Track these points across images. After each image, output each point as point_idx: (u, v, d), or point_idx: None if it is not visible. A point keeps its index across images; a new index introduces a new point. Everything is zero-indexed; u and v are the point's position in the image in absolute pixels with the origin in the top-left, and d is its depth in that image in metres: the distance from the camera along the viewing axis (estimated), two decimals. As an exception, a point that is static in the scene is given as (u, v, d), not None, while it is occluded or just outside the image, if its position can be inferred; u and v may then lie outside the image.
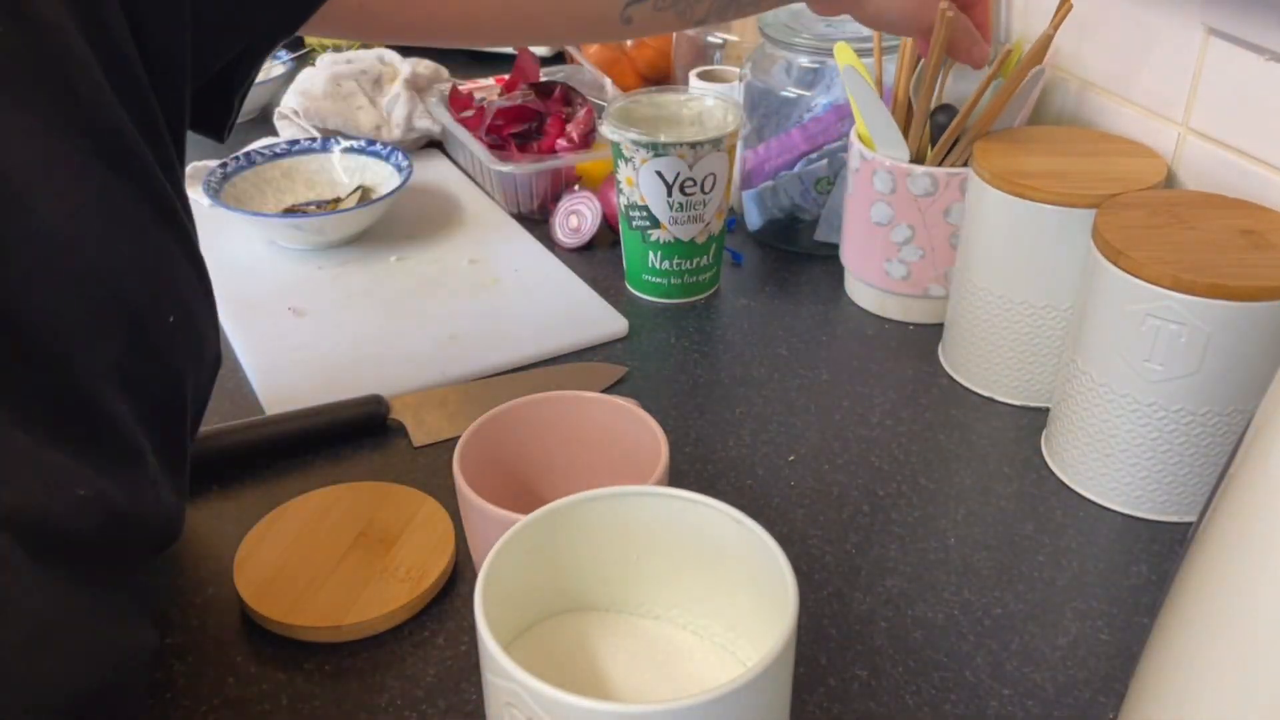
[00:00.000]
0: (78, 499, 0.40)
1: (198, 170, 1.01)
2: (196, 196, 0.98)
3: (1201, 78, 0.70)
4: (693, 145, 0.77)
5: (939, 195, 0.74)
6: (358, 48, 1.25)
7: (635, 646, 0.44)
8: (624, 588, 0.45)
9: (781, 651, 0.35)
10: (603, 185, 0.93)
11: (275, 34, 0.55)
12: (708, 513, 0.42)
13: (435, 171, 1.06)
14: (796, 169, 0.87)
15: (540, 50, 1.25)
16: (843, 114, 0.84)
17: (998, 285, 0.69)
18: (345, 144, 0.99)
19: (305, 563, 0.56)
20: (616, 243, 0.88)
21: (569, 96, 0.99)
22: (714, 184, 0.80)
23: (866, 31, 0.84)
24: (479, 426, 0.53)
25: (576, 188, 0.95)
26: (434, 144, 1.12)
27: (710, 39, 1.03)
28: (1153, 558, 0.60)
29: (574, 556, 0.43)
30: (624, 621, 0.45)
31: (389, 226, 0.95)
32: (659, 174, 0.78)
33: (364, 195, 0.97)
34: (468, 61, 1.28)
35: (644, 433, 0.53)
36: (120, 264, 0.44)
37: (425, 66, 1.10)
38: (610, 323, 0.81)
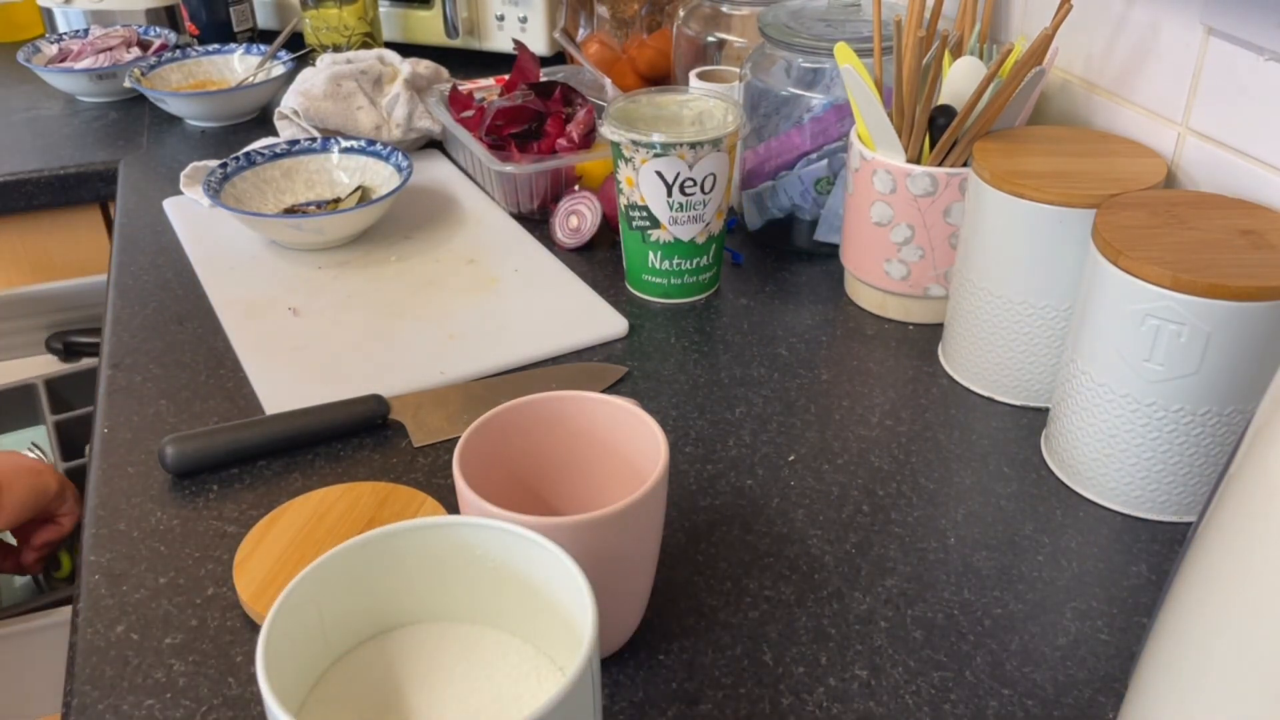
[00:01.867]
0: None
1: (198, 170, 1.01)
2: (196, 197, 0.98)
3: (1201, 78, 0.70)
4: (693, 145, 0.77)
5: (939, 195, 0.74)
6: (358, 47, 1.25)
7: (458, 655, 0.44)
8: (447, 603, 0.45)
9: (576, 682, 0.36)
10: (603, 185, 0.93)
11: None
12: (508, 537, 0.43)
13: (435, 171, 1.06)
14: (796, 169, 0.87)
15: (540, 50, 1.25)
16: (843, 114, 0.84)
17: (998, 285, 0.69)
18: (345, 144, 0.99)
19: (305, 562, 0.56)
20: (616, 243, 0.88)
21: (569, 96, 0.99)
22: (714, 184, 0.80)
23: (866, 31, 0.84)
24: (479, 426, 0.53)
25: (576, 188, 0.95)
26: (434, 144, 1.12)
27: (710, 39, 1.03)
28: (1152, 558, 0.60)
29: (387, 584, 0.43)
30: (451, 630, 0.45)
31: (389, 226, 0.95)
32: (659, 174, 0.78)
33: (364, 195, 0.97)
34: (468, 62, 1.28)
35: (644, 433, 0.53)
36: None
37: (425, 67, 1.10)
38: (610, 323, 0.81)
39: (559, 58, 1.28)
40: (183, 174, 1.01)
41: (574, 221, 0.92)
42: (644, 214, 0.81)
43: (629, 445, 0.54)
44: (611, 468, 0.56)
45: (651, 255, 0.83)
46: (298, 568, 0.56)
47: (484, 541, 0.43)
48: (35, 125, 1.21)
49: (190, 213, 0.98)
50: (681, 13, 1.06)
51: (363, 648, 0.44)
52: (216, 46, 1.29)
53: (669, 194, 0.79)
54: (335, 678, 0.43)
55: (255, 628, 0.55)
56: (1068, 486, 0.65)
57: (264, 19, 1.43)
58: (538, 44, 1.26)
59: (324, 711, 0.41)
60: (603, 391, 0.73)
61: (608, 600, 0.49)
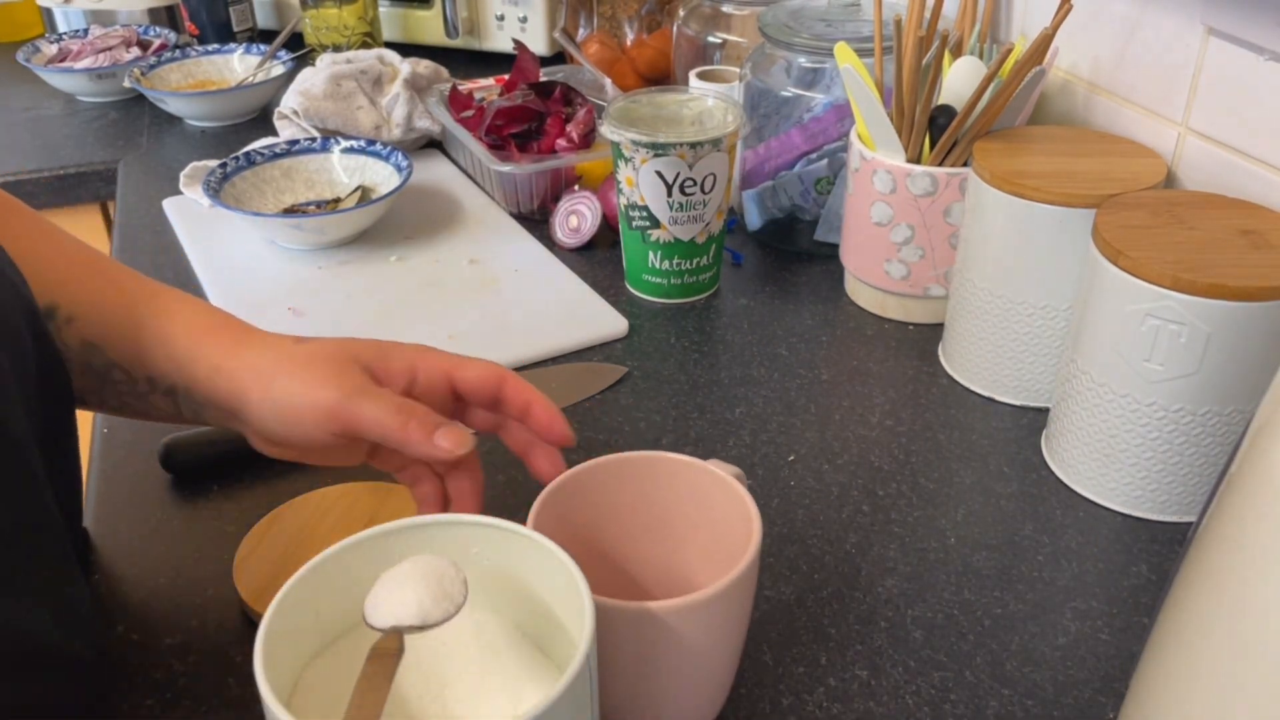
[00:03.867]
0: None
1: (197, 170, 1.01)
2: (196, 196, 0.98)
3: (1201, 78, 0.70)
4: (693, 145, 0.77)
5: (939, 195, 0.74)
6: (358, 47, 1.25)
7: (455, 652, 0.43)
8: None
9: (573, 679, 0.36)
10: (603, 185, 0.93)
11: None
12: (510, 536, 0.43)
13: (435, 171, 1.06)
14: (796, 169, 0.87)
15: (540, 50, 1.25)
16: (843, 114, 0.84)
17: (998, 285, 0.69)
18: (345, 144, 0.99)
19: (305, 562, 0.56)
20: (616, 243, 0.88)
21: (569, 96, 0.99)
22: (714, 184, 0.80)
23: (867, 31, 0.84)
24: (559, 485, 0.49)
25: (576, 188, 0.95)
26: (434, 144, 1.12)
27: (710, 39, 1.03)
28: (1152, 558, 0.60)
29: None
30: (448, 627, 0.43)
31: (389, 226, 0.95)
32: (659, 174, 0.78)
33: (364, 195, 0.97)
34: (468, 61, 1.28)
35: (736, 509, 0.48)
36: None
37: (425, 66, 1.10)
38: (610, 323, 0.81)
39: (559, 58, 1.28)
40: (182, 174, 1.01)
41: (574, 221, 0.92)
42: (644, 214, 0.81)
43: (718, 520, 0.50)
44: (695, 544, 0.51)
45: (651, 255, 0.83)
46: (298, 568, 0.56)
47: (481, 540, 0.43)
48: (35, 125, 1.21)
49: (190, 213, 0.98)
50: (681, 13, 1.06)
51: (357, 634, 0.44)
52: (216, 46, 1.29)
53: (669, 194, 0.79)
54: (325, 666, 0.43)
55: (255, 627, 0.55)
56: (1068, 486, 0.65)
57: (264, 19, 1.43)
58: (538, 44, 1.26)
59: (314, 699, 0.41)
60: (603, 392, 0.74)
61: (687, 691, 0.47)
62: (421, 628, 0.38)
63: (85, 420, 0.87)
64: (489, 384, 0.51)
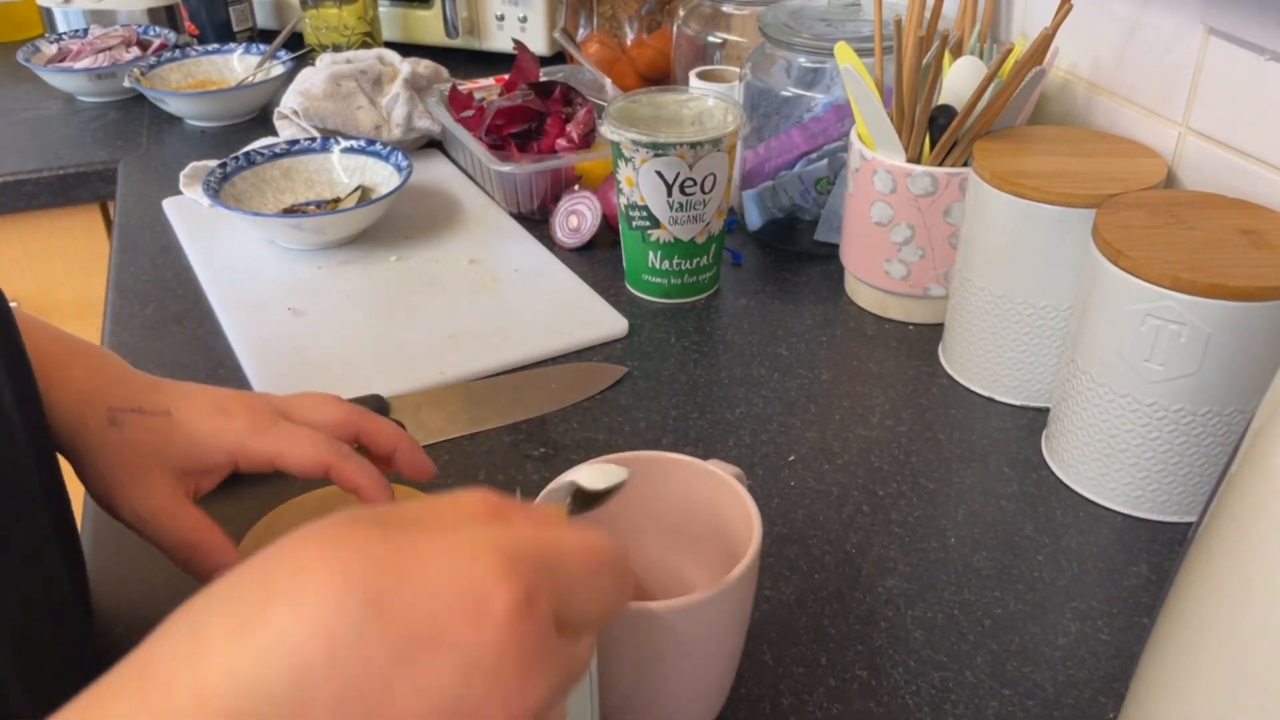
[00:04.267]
0: None
1: (197, 170, 1.01)
2: (196, 196, 0.98)
3: (1201, 78, 0.70)
4: (693, 145, 0.77)
5: (939, 195, 0.74)
6: (357, 47, 1.25)
7: None
8: None
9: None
10: (603, 185, 0.93)
11: None
12: None
13: (435, 171, 1.06)
14: (796, 169, 0.87)
15: (540, 50, 1.25)
16: (843, 114, 0.84)
17: (998, 285, 0.69)
18: (345, 144, 0.99)
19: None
20: (616, 243, 0.87)
21: (569, 96, 0.99)
22: (714, 184, 0.80)
23: (867, 31, 0.84)
24: (559, 486, 0.47)
25: (576, 188, 0.95)
26: (434, 144, 1.12)
27: (710, 39, 1.03)
28: (1153, 558, 0.60)
29: None
30: None
31: (389, 226, 0.95)
32: (659, 174, 0.78)
33: (364, 195, 0.97)
34: (468, 61, 1.28)
35: (736, 509, 0.48)
36: None
37: (425, 66, 1.10)
38: (610, 323, 0.81)
39: (559, 57, 1.28)
40: (182, 174, 1.01)
41: (574, 221, 0.92)
42: (644, 214, 0.81)
43: (713, 513, 0.50)
44: (691, 535, 0.52)
45: (651, 255, 0.83)
46: None
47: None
48: (35, 125, 1.21)
49: (190, 213, 0.98)
50: (681, 12, 1.06)
51: None
52: (216, 46, 1.29)
53: (669, 194, 0.79)
54: None
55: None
56: (1068, 486, 0.65)
57: (264, 19, 1.43)
58: (538, 44, 1.26)
59: None
60: (602, 392, 0.74)
61: (687, 691, 0.47)
62: (592, 490, 0.40)
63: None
64: (315, 471, 0.51)
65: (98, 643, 0.54)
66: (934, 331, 0.80)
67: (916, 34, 0.72)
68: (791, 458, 0.67)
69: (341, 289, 0.86)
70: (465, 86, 1.09)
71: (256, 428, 0.51)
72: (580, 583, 0.29)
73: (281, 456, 0.50)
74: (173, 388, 0.52)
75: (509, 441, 0.69)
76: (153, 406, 0.50)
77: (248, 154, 0.97)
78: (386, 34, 1.33)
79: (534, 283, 0.87)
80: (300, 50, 1.27)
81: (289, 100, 1.04)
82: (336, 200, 0.97)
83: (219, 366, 0.77)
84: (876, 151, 0.76)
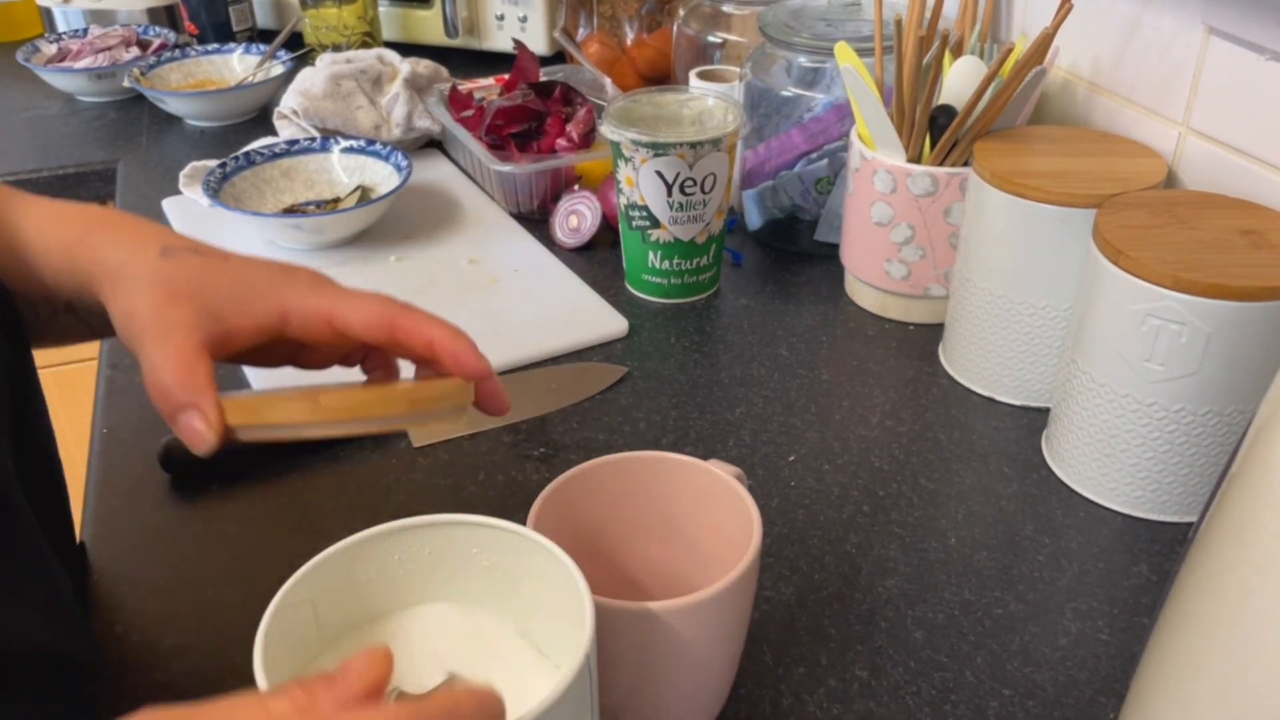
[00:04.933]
0: None
1: (197, 170, 1.01)
2: (195, 196, 0.98)
3: (1201, 78, 0.70)
4: (693, 145, 0.77)
5: (939, 195, 0.74)
6: (357, 46, 1.25)
7: (453, 651, 0.43)
8: (443, 600, 0.44)
9: (574, 680, 0.36)
10: (603, 185, 0.93)
11: None
12: (501, 534, 0.43)
13: (435, 171, 1.06)
14: (796, 169, 0.87)
15: (540, 50, 1.25)
16: (843, 114, 0.84)
17: (998, 285, 0.69)
18: (345, 144, 0.99)
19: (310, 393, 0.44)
20: (616, 243, 0.87)
21: (569, 96, 0.99)
22: (714, 184, 0.80)
23: (867, 31, 0.84)
24: (559, 485, 0.48)
25: (576, 188, 0.95)
26: (434, 144, 1.12)
27: (710, 39, 1.02)
28: (1153, 558, 0.60)
29: (383, 581, 0.43)
30: (447, 626, 0.44)
31: (389, 226, 0.95)
32: (659, 174, 0.78)
33: (363, 195, 0.97)
34: (468, 61, 1.28)
35: (736, 509, 0.48)
36: None
37: (425, 66, 1.10)
38: (610, 323, 0.81)
39: (559, 57, 1.28)
40: (182, 174, 1.01)
41: (574, 221, 0.92)
42: (644, 214, 0.81)
43: (719, 518, 0.50)
44: (691, 535, 0.51)
45: (651, 255, 0.83)
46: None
47: (481, 541, 0.43)
48: (34, 125, 1.21)
49: (189, 212, 0.98)
50: (681, 12, 1.06)
51: (357, 633, 0.44)
52: (216, 46, 1.29)
53: (669, 194, 0.79)
54: (325, 667, 0.43)
55: (255, 625, 0.55)
56: (1068, 487, 0.65)
57: (263, 18, 1.43)
58: (538, 43, 1.26)
59: None
60: (602, 392, 0.73)
61: (687, 691, 0.47)
62: None
63: (84, 420, 0.87)
64: (377, 329, 0.44)
65: (97, 642, 0.54)
66: (934, 331, 0.80)
67: (917, 34, 0.72)
68: (791, 458, 0.67)
69: (341, 289, 0.86)
70: (465, 86, 1.09)
71: (315, 284, 0.45)
72: None
73: (339, 312, 0.44)
74: (224, 249, 0.47)
75: (509, 441, 0.69)
76: (209, 250, 0.46)
77: (247, 154, 0.96)
78: (386, 34, 1.33)
79: (534, 283, 0.86)
80: (300, 50, 1.27)
81: (289, 100, 1.04)
82: (336, 200, 0.97)
83: (218, 366, 0.76)
84: (876, 151, 0.76)
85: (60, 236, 0.46)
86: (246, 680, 0.53)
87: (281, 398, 0.42)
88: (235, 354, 0.45)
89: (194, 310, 0.42)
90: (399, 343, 0.44)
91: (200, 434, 0.40)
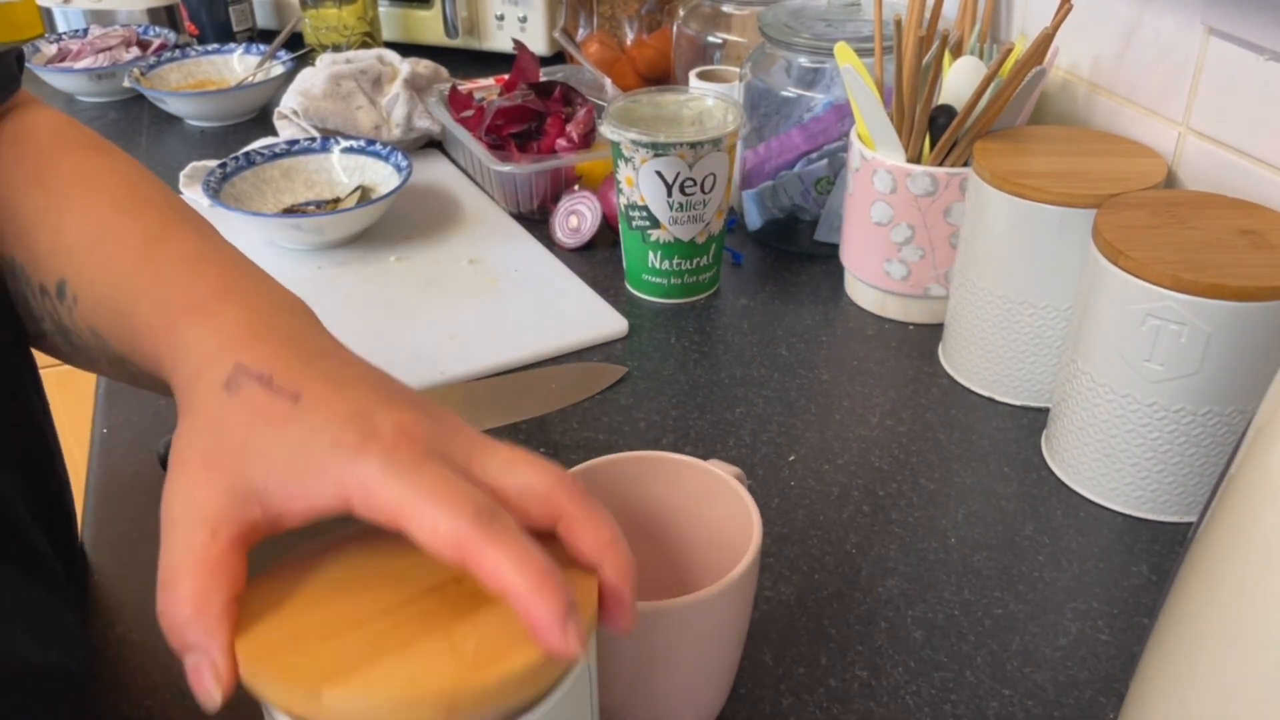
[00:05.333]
0: None
1: (197, 170, 1.01)
2: (195, 196, 0.98)
3: (1201, 78, 0.70)
4: (693, 145, 0.77)
5: (939, 195, 0.74)
6: (357, 47, 1.25)
7: None
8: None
9: (575, 678, 0.35)
10: (603, 185, 0.93)
11: None
12: None
13: (435, 171, 1.06)
14: (796, 169, 0.87)
15: (540, 50, 1.25)
16: (843, 114, 0.84)
17: (998, 285, 0.69)
18: (345, 144, 0.99)
19: (344, 606, 0.35)
20: (616, 243, 0.87)
21: (569, 96, 0.99)
22: (714, 184, 0.80)
23: (867, 31, 0.84)
24: None
25: (576, 188, 0.95)
26: (434, 144, 1.12)
27: (710, 39, 1.02)
28: (1153, 558, 0.60)
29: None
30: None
31: (389, 226, 0.95)
32: (659, 174, 0.78)
33: (363, 195, 0.97)
34: (468, 61, 1.28)
35: (736, 509, 0.48)
36: None
37: (425, 66, 1.10)
38: (610, 323, 0.81)
39: (559, 57, 1.28)
40: (182, 174, 1.01)
41: (574, 221, 0.92)
42: (644, 214, 0.81)
43: (713, 513, 0.50)
44: (691, 535, 0.51)
45: (651, 255, 0.83)
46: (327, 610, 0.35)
47: None
48: (35, 125, 1.21)
49: (190, 213, 0.98)
50: (681, 12, 1.06)
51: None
52: (216, 46, 1.29)
53: (669, 194, 0.79)
54: None
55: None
56: (1068, 487, 0.65)
57: (263, 19, 1.43)
58: (537, 44, 1.26)
59: None
60: (602, 392, 0.73)
61: (687, 691, 0.47)
62: None
63: (84, 420, 0.87)
64: (445, 554, 0.33)
65: (97, 642, 0.54)
66: (934, 331, 0.80)
67: (916, 34, 0.72)
68: (791, 458, 0.67)
69: (341, 289, 0.86)
70: (465, 86, 1.09)
71: (393, 463, 0.34)
72: None
73: (404, 514, 0.33)
74: (332, 366, 0.38)
75: (509, 442, 0.69)
76: (285, 380, 0.36)
77: (247, 154, 0.96)
78: (386, 34, 1.33)
79: (534, 283, 0.87)
80: (300, 50, 1.27)
81: (289, 100, 1.04)
82: (336, 200, 0.97)
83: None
84: (876, 151, 0.76)
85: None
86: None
87: (312, 625, 0.33)
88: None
89: (231, 489, 0.34)
90: (470, 575, 0.33)
91: (207, 691, 0.33)
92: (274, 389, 0.36)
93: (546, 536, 0.35)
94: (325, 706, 0.31)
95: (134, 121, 1.22)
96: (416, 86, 1.08)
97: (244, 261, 0.43)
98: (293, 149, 0.98)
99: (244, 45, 1.29)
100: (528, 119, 0.97)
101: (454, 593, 0.35)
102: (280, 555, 0.37)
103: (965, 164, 0.73)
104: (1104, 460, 0.62)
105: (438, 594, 0.35)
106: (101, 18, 1.37)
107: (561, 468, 0.37)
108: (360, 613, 0.34)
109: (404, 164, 0.95)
